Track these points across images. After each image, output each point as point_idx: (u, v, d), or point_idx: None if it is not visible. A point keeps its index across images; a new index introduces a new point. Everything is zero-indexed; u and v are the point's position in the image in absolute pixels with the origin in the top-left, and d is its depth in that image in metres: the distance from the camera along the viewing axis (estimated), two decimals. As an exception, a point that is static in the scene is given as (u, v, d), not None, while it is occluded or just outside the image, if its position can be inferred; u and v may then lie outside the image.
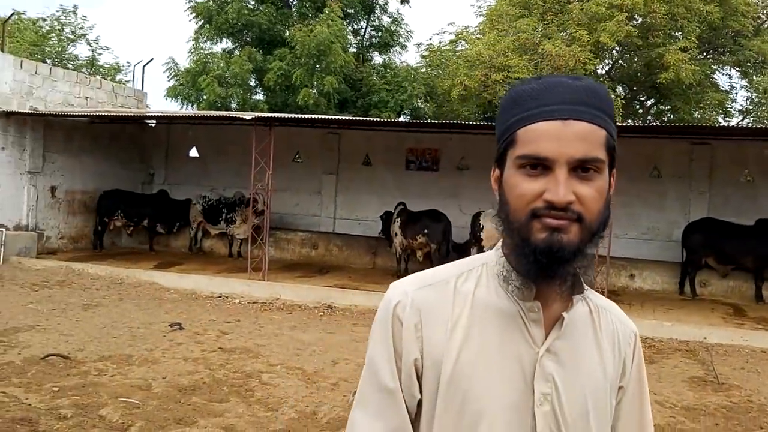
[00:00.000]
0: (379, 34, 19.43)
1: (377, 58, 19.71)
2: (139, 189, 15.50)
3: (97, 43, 25.23)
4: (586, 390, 1.19)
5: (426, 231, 11.88)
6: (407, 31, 19.54)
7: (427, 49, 19.66)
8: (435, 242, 11.84)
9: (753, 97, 18.03)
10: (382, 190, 14.05)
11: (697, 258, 11.71)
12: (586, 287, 1.25)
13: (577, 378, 1.18)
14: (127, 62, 29.23)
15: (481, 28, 18.08)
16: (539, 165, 1.09)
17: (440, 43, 19.55)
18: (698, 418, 5.74)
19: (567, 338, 1.18)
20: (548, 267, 1.09)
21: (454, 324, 1.17)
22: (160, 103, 63.60)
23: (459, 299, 1.19)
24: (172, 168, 15.96)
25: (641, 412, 1.30)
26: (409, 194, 13.26)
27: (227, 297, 10.29)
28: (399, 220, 12.18)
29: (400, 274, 12.41)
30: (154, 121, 15.68)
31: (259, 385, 5.95)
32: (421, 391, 1.17)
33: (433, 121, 13.88)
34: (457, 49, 18.73)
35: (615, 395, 1.25)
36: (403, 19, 19.61)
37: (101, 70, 25.12)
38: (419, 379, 1.17)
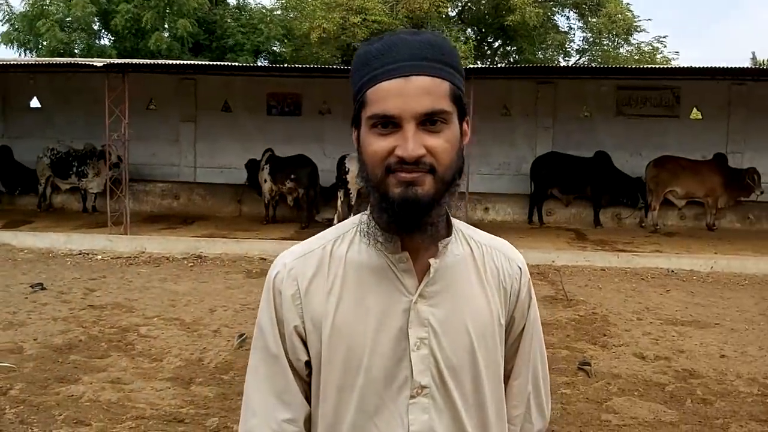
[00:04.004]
0: (231, -26, 18.71)
1: (231, 0, 19.04)
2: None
3: None
4: (470, 327, 1.23)
5: (293, 176, 11.94)
6: (260, -29, 18.99)
7: (281, -10, 19.24)
8: (303, 187, 11.96)
9: (588, 37, 19.33)
10: (244, 137, 13.81)
11: (543, 189, 12.77)
12: (467, 229, 1.32)
13: (459, 318, 1.23)
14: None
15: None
16: (389, 123, 1.13)
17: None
18: (552, 331, 6.43)
19: (442, 282, 1.23)
20: (406, 219, 1.14)
21: (330, 287, 1.22)
22: (-16, 48, 57.22)
23: (334, 263, 1.24)
24: (12, 120, 14.69)
25: (535, 343, 1.37)
26: (273, 140, 13.13)
27: (88, 254, 9.88)
28: (268, 166, 12.14)
29: (269, 221, 12.48)
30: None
31: (139, 337, 5.91)
32: (309, 354, 1.24)
33: (294, 66, 13.73)
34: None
35: (503, 329, 1.30)
36: (254, -41, 19.03)
37: None
38: (305, 344, 1.24)
